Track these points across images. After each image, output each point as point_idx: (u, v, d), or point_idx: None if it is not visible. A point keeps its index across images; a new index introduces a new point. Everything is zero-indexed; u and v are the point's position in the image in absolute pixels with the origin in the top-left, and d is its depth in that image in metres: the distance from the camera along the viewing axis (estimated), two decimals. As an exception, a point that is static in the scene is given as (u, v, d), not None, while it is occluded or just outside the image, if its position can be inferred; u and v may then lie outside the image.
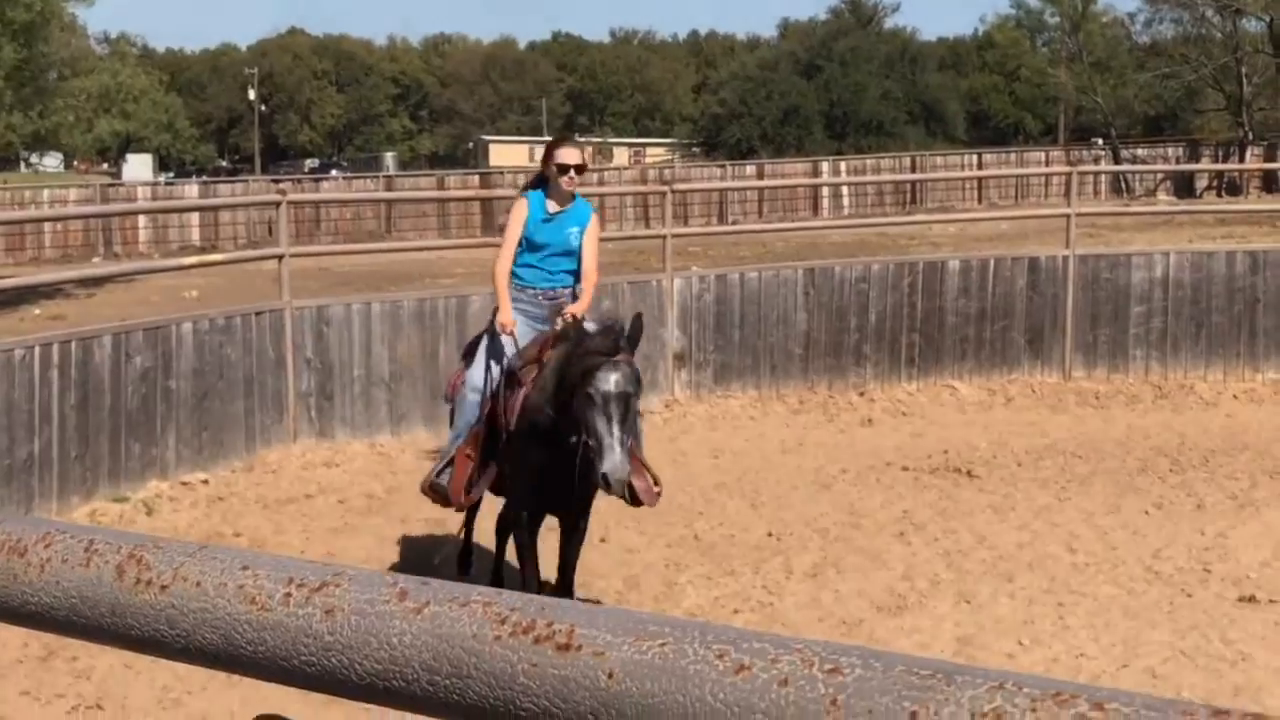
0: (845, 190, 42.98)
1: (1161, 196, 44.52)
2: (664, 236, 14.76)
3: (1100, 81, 58.81)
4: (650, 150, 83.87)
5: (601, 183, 44.49)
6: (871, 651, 0.90)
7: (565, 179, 7.86)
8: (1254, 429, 13.33)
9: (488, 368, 7.86)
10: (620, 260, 25.55)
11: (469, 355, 8.39)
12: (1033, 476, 11.64)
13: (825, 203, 42.77)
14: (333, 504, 11.16)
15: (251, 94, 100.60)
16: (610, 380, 6.67)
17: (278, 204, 13.34)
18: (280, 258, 12.70)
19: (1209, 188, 47.68)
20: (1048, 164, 46.87)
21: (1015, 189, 43.95)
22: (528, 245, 7.92)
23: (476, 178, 47.90)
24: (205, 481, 11.47)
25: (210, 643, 1.13)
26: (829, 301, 14.66)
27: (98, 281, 26.35)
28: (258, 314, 12.33)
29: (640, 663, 0.94)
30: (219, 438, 11.82)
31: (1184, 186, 46.60)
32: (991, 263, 15.21)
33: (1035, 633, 8.10)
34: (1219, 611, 8.36)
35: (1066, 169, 20.10)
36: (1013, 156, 51.03)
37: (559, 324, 7.59)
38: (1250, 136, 51.89)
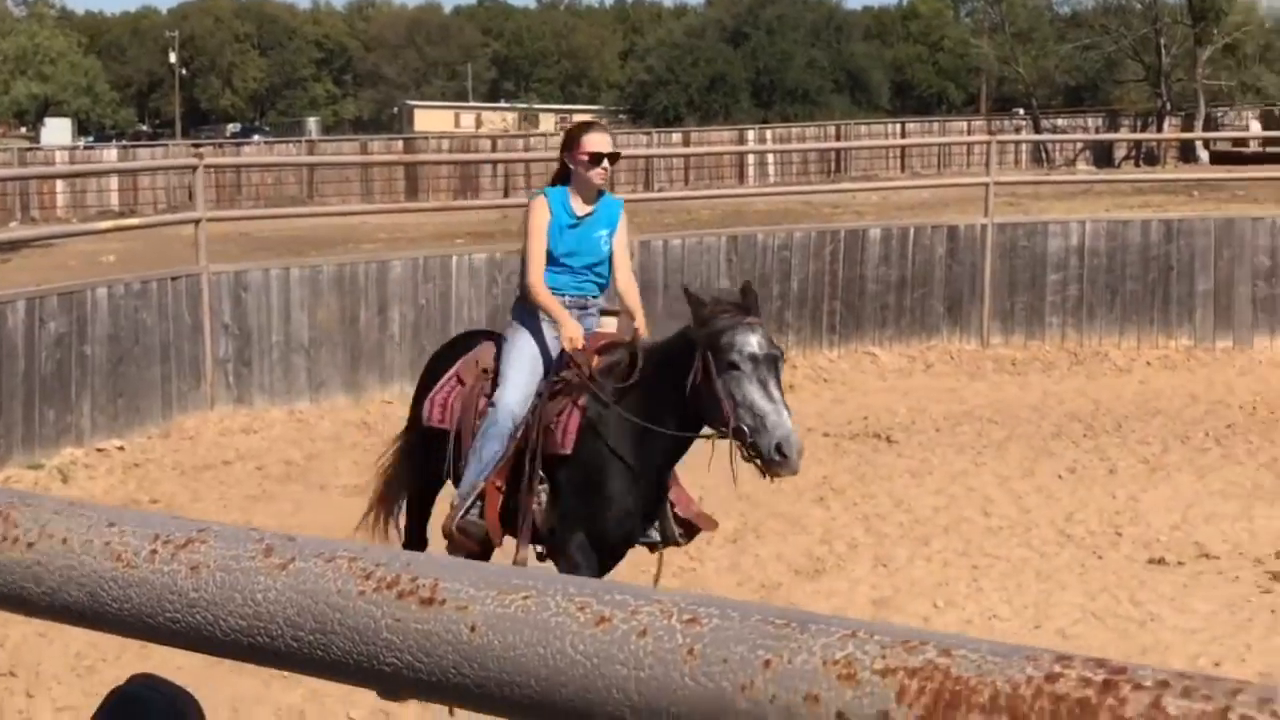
0: (771, 158, 43.08)
1: (1081, 166, 44.96)
2: (586, 203, 14.73)
3: (1022, 52, 59.22)
4: (577, 117, 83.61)
5: (527, 149, 44.35)
6: (731, 602, 0.90)
7: (597, 172, 6.45)
8: (1166, 395, 13.52)
9: (545, 388, 6.36)
10: (544, 227, 25.42)
11: (435, 373, 6.90)
12: (950, 442, 11.75)
13: (751, 170, 42.86)
14: (250, 471, 11.08)
15: (172, 57, 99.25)
16: (753, 341, 5.65)
17: (195, 168, 13.20)
18: (197, 222, 12.57)
19: (1127, 157, 48.20)
20: (969, 133, 47.17)
21: (937, 158, 44.22)
22: (549, 257, 6.44)
23: (400, 143, 47.60)
24: (121, 448, 11.35)
25: (76, 600, 1.11)
26: (751, 269, 14.69)
27: (14, 246, 25.96)
28: (174, 279, 12.20)
29: (503, 616, 0.94)
30: (135, 404, 11.70)
31: (1103, 156, 47.07)
32: (911, 231, 15.32)
33: (950, 595, 8.20)
34: (1129, 573, 8.49)
35: (986, 138, 20.23)
36: (935, 126, 51.39)
37: (620, 337, 6.42)
38: (1168, 107, 52.47)
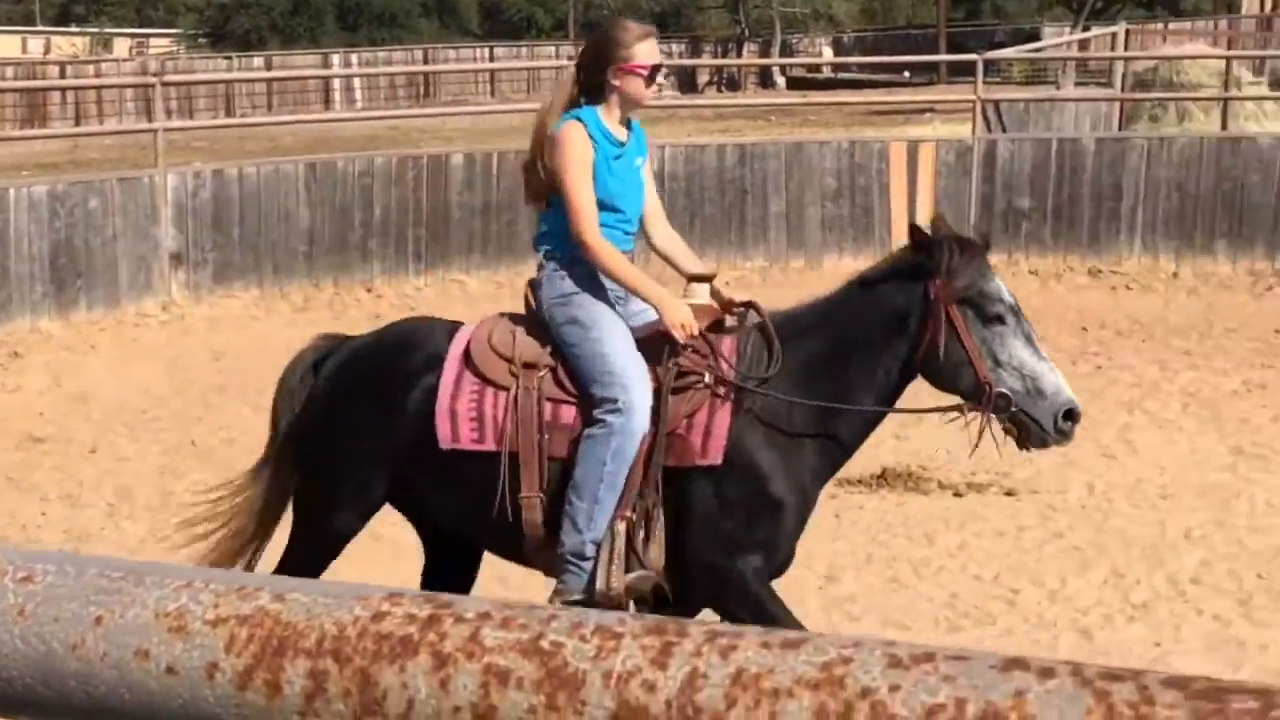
0: (358, 83, 42.36)
1: (666, 91, 46.04)
2: (155, 131, 14.13)
3: (608, -23, 60.02)
4: (154, 41, 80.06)
5: (98, 74, 42.26)
6: (71, 557, 0.84)
7: (653, 89, 5.12)
8: (743, 313, 14.01)
9: (665, 382, 4.90)
10: (118, 156, 24.39)
11: (380, 383, 5.16)
12: (535, 366, 11.85)
13: (338, 96, 42.05)
14: None
15: None
16: (1004, 289, 4.81)
17: None
18: None
19: (710, 83, 49.62)
20: (558, 58, 47.56)
21: (527, 82, 44.41)
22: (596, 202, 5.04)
23: (-42, 70, 44.56)
24: None
25: None
26: (332, 197, 14.43)
27: None
28: None
29: None
30: None
31: (687, 81, 48.29)
32: (495, 156, 15.32)
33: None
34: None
35: (563, 62, 20.46)
36: (524, 50, 51.61)
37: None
38: (747, 34, 54.25)
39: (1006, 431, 4.80)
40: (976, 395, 4.72)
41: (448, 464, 4.97)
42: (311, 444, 5.27)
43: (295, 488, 5.39)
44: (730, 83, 49.23)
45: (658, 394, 4.85)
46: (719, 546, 4.84)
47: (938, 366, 4.79)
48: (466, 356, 5.03)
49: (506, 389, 4.95)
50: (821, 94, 35.88)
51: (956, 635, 6.53)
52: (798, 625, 4.98)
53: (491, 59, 47.23)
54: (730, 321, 5.07)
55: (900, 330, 4.82)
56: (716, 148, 16.22)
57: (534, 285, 5.16)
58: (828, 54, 53.29)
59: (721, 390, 4.88)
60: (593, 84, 5.06)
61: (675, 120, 32.02)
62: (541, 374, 4.96)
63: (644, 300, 4.97)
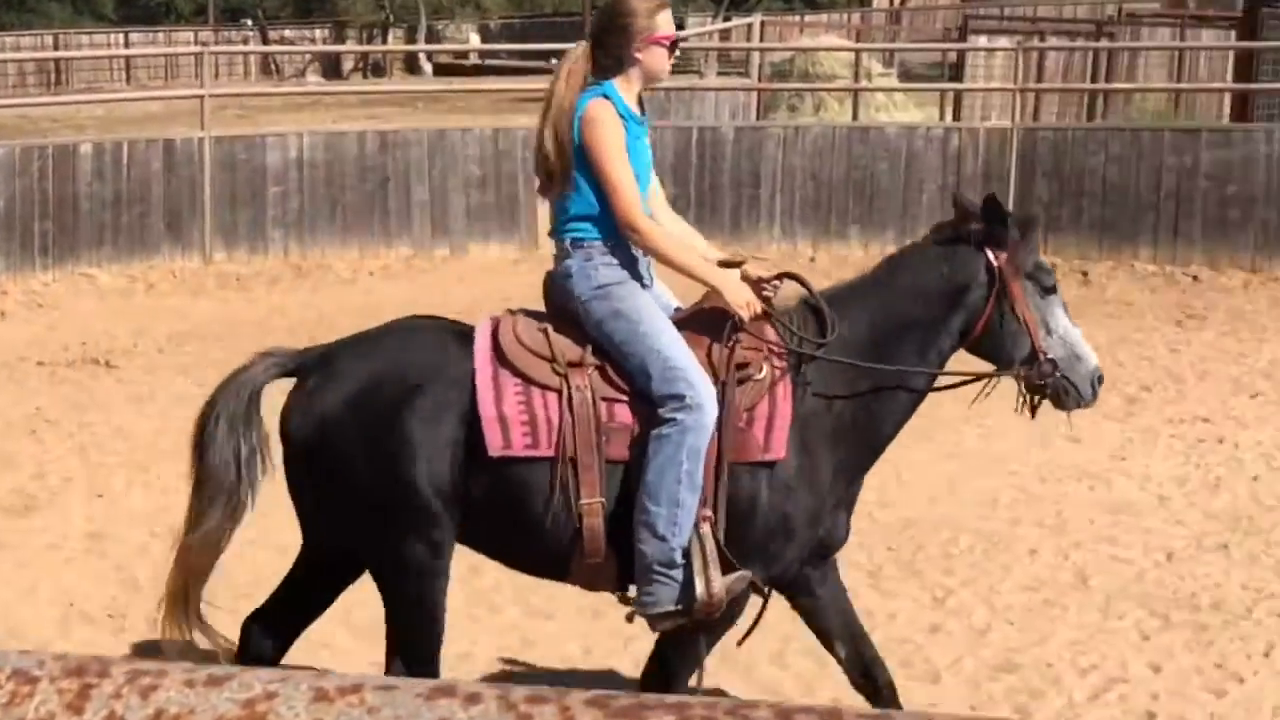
0: (-18, 69, 40.19)
1: (311, 77, 45.15)
2: None
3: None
4: None
5: None
6: None
7: (672, 60, 4.91)
8: (390, 303, 13.84)
9: (726, 373, 4.68)
10: None
11: (398, 398, 4.61)
12: (173, 364, 11.50)
13: (-40, 83, 39.79)
14: None
15: None
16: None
17: None
18: None
19: (356, 69, 48.93)
20: (196, 44, 46.15)
21: (165, 69, 42.93)
22: None
23: None
24: None
25: None
26: (-51, 189, 13.63)
27: None
28: None
29: None
30: None
31: (332, 68, 47.49)
32: (125, 145, 14.74)
33: (167, 521, 8.02)
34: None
35: (198, 49, 19.89)
36: (162, 36, 49.86)
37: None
38: (392, 19, 53.70)
39: (1033, 397, 4.91)
40: (1030, 363, 4.79)
41: (493, 474, 4.57)
42: (354, 503, 4.68)
43: (372, 563, 4.84)
44: (375, 69, 48.62)
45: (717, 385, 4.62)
46: (740, 547, 4.63)
47: (996, 338, 4.83)
48: (498, 356, 4.62)
49: (555, 390, 4.59)
50: (469, 81, 35.81)
51: (600, 621, 6.55)
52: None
53: (127, 45, 45.48)
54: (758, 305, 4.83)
55: (959, 304, 4.81)
56: (357, 135, 15.99)
57: (557, 278, 4.82)
58: (475, 40, 53.21)
59: (779, 375, 4.67)
60: (610, 59, 4.79)
61: (319, 107, 31.46)
62: (590, 372, 4.63)
63: (702, 282, 4.76)
